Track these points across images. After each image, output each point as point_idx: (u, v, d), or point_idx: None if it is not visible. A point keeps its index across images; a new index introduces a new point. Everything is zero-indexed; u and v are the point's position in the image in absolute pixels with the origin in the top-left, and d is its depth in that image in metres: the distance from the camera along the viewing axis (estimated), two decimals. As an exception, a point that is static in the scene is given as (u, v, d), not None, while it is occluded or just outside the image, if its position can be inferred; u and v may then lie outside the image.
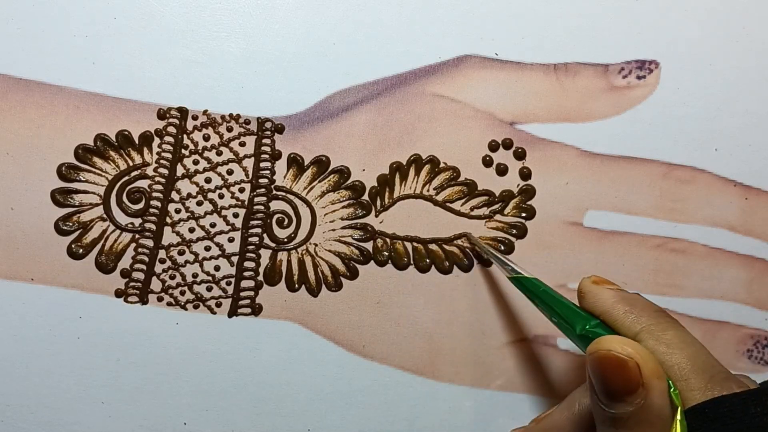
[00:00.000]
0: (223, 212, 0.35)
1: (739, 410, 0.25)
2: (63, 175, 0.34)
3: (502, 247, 0.36)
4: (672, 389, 0.25)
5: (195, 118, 0.34)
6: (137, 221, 0.34)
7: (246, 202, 0.35)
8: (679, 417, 0.25)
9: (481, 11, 0.36)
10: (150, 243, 0.34)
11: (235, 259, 0.34)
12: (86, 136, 0.34)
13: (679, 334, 0.27)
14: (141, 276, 0.34)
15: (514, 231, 0.36)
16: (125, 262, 0.34)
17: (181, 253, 0.34)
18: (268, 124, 0.35)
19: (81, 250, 0.34)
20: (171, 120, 0.34)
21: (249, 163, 0.35)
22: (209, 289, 0.34)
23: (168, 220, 0.34)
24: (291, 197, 0.35)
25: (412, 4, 0.36)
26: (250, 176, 0.35)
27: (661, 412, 0.25)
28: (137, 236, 0.34)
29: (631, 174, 0.37)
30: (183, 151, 0.34)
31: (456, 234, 0.36)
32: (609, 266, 0.37)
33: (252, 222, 0.35)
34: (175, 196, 0.34)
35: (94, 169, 0.34)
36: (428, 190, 0.36)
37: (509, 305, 0.36)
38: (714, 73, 0.37)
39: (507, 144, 0.36)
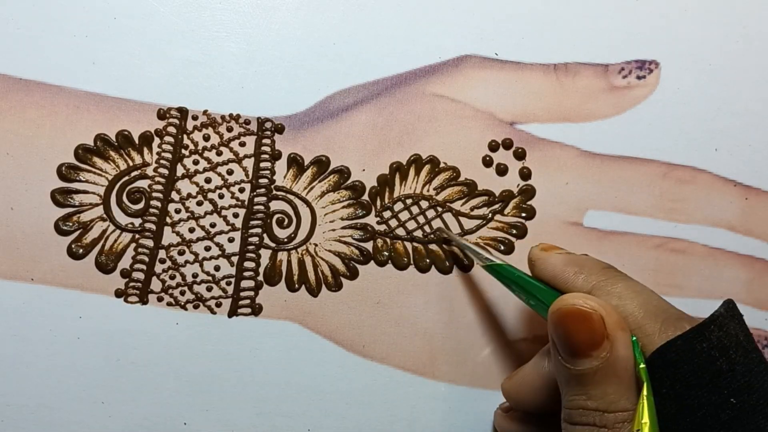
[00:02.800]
0: (223, 212, 0.35)
1: (686, 351, 0.25)
2: (63, 175, 0.34)
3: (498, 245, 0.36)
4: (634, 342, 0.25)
5: (195, 118, 0.34)
6: (137, 221, 0.34)
7: (246, 202, 0.35)
8: (641, 367, 0.25)
9: (481, 11, 0.36)
10: (150, 243, 0.34)
11: (235, 259, 0.34)
12: (86, 136, 0.34)
13: (629, 284, 0.28)
14: (141, 276, 0.34)
15: (514, 231, 0.36)
16: (125, 262, 0.34)
17: (181, 253, 0.34)
18: (268, 124, 0.35)
19: (81, 250, 0.34)
20: (171, 120, 0.34)
21: (249, 163, 0.35)
22: (209, 289, 0.34)
23: (168, 220, 0.34)
24: (291, 197, 0.35)
25: (412, 4, 0.36)
26: (250, 176, 0.35)
27: (628, 364, 0.25)
28: (137, 236, 0.34)
29: (631, 174, 0.37)
30: (183, 151, 0.34)
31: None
32: (609, 266, 0.37)
33: (252, 222, 0.35)
34: (175, 196, 0.34)
35: (94, 169, 0.34)
36: (428, 190, 0.36)
37: (509, 305, 0.36)
38: (714, 73, 0.37)
39: (507, 144, 0.36)
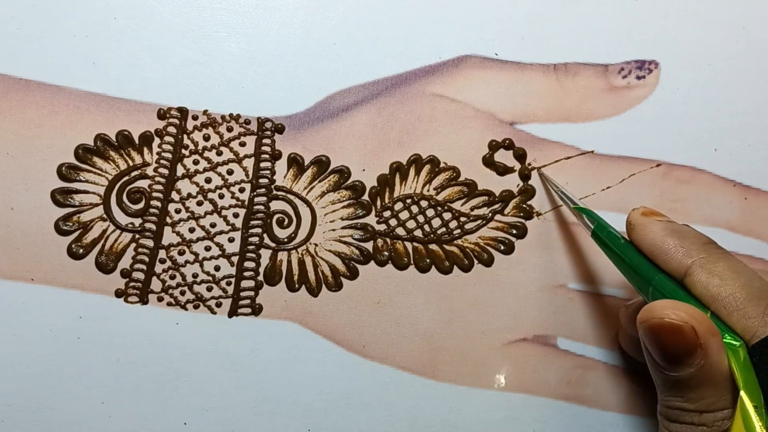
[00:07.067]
0: (223, 212, 0.35)
1: None
2: (63, 175, 0.34)
3: (515, 231, 0.36)
4: (726, 341, 0.25)
5: (195, 118, 0.34)
6: (137, 221, 0.34)
7: (246, 202, 0.35)
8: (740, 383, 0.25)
9: (481, 11, 0.36)
10: (150, 243, 0.34)
11: (235, 259, 0.34)
12: (86, 136, 0.34)
13: (730, 264, 0.27)
14: (141, 276, 0.34)
15: (514, 231, 0.36)
16: (125, 262, 0.34)
17: (181, 253, 0.34)
18: (268, 124, 0.35)
19: (81, 250, 0.34)
20: (171, 120, 0.34)
21: (249, 163, 0.35)
22: (209, 289, 0.34)
23: (168, 220, 0.34)
24: (291, 197, 0.35)
25: (412, 4, 0.36)
26: (250, 176, 0.35)
27: (722, 368, 0.25)
28: (137, 236, 0.34)
29: (630, 174, 0.37)
30: (183, 151, 0.34)
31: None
32: (609, 266, 0.37)
33: (252, 222, 0.35)
34: (175, 196, 0.34)
35: (94, 169, 0.34)
36: (428, 190, 0.36)
37: (509, 305, 0.36)
38: (714, 73, 0.37)
39: (507, 144, 0.36)
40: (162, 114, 0.34)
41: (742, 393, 0.24)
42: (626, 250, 0.30)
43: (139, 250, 0.34)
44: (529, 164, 0.36)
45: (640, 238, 0.29)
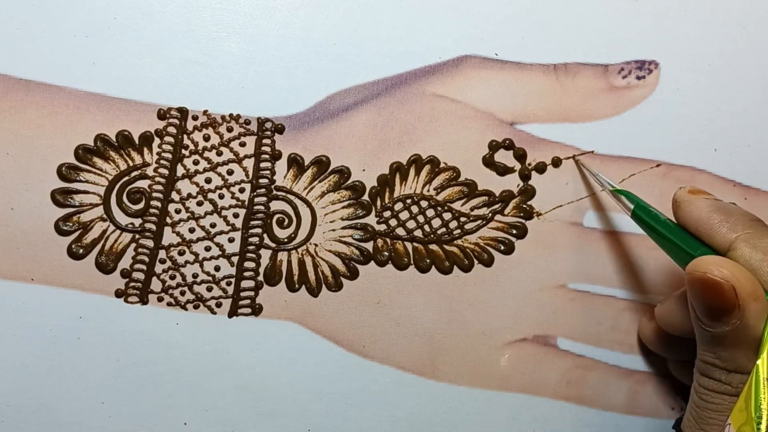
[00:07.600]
0: (224, 212, 0.35)
1: None
2: (63, 175, 0.34)
3: (514, 231, 0.36)
4: None
5: (195, 118, 0.34)
6: (137, 221, 0.34)
7: (246, 203, 0.35)
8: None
9: (481, 11, 0.36)
10: (150, 243, 0.34)
11: (235, 259, 0.34)
12: (86, 136, 0.34)
13: None
14: (141, 276, 0.34)
15: (514, 231, 0.36)
16: (125, 263, 0.34)
17: (181, 253, 0.34)
18: (268, 124, 0.35)
19: (81, 251, 0.34)
20: (171, 120, 0.34)
21: (249, 164, 0.35)
22: (209, 290, 0.34)
23: (168, 220, 0.34)
24: (291, 197, 0.35)
25: (412, 4, 0.36)
26: (251, 176, 0.35)
27: (756, 333, 0.25)
28: (137, 236, 0.34)
29: (630, 174, 0.37)
30: (183, 151, 0.34)
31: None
32: (609, 266, 0.37)
33: (252, 222, 0.35)
34: (175, 196, 0.34)
35: (94, 170, 0.34)
36: (428, 191, 0.36)
37: (509, 305, 0.36)
38: (714, 73, 0.37)
39: (507, 144, 0.36)
40: (162, 114, 0.34)
41: (759, 362, 0.25)
42: (668, 226, 0.30)
43: (139, 250, 0.34)
44: (534, 162, 0.36)
45: (686, 215, 0.29)
